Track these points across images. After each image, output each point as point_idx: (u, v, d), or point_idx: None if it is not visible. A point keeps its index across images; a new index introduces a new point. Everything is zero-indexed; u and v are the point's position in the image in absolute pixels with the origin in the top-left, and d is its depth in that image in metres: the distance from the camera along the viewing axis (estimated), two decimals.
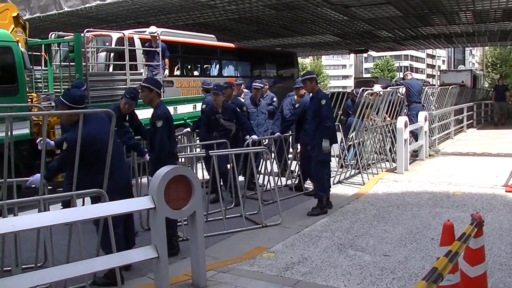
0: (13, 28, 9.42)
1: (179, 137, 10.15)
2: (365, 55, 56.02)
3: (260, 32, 24.02)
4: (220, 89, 8.29)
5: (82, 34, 9.80)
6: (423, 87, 13.32)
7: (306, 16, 20.16)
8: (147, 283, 4.84)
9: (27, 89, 8.94)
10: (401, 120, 10.46)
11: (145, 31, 13.54)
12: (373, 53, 57.40)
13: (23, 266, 4.83)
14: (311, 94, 7.74)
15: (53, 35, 11.20)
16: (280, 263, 5.29)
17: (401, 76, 17.62)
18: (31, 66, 9.43)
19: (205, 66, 17.27)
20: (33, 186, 5.12)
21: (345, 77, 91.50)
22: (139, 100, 6.63)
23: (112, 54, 12.19)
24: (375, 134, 10.84)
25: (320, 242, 5.98)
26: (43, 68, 10.74)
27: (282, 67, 22.02)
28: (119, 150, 4.92)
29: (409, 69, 66.21)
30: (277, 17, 20.19)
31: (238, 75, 17.32)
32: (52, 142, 5.78)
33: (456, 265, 3.37)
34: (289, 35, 25.59)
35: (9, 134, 4.55)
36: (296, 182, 9.50)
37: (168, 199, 3.98)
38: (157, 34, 11.96)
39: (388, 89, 11.37)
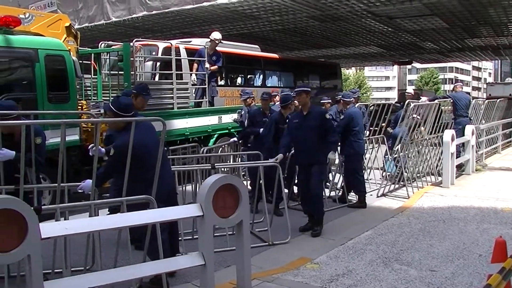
0: (65, 38, 9.72)
1: (223, 146, 10.26)
2: (409, 66, 55.30)
3: (304, 43, 24.04)
4: (269, 95, 9.08)
5: (131, 44, 10.01)
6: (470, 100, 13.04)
7: (350, 27, 20.09)
8: None
9: (77, 97, 9.19)
10: (448, 133, 10.29)
11: (191, 41, 13.77)
12: (417, 65, 56.63)
13: (72, 269, 4.94)
14: (304, 111, 7.26)
15: (102, 45, 11.49)
16: (325, 275, 5.25)
17: (444, 88, 17.38)
18: (82, 75, 9.69)
19: (248, 76, 17.38)
20: (81, 191, 5.28)
21: (388, 88, 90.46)
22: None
23: (158, 64, 12.41)
24: (420, 147, 10.68)
25: (365, 255, 5.92)
26: (92, 76, 11.01)
27: (325, 78, 21.94)
28: (163, 158, 4.98)
29: (453, 82, 65.06)
30: (320, 28, 20.19)
31: (282, 85, 17.34)
32: (103, 149, 5.90)
33: (509, 283, 3.29)
34: (333, 46, 25.54)
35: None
36: (340, 193, 9.44)
37: (216, 207, 4.01)
38: (219, 40, 12.11)
39: (435, 101, 11.21)
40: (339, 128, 8.92)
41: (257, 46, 17.66)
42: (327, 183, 9.46)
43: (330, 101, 11.10)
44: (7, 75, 8.40)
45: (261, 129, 8.72)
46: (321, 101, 11.25)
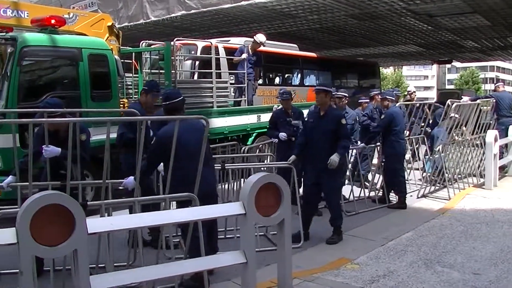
0: (108, 37, 9.91)
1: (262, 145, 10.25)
2: (448, 66, 54.32)
3: (342, 41, 23.84)
4: (290, 94, 8.90)
5: (172, 43, 10.12)
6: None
7: (389, 26, 19.82)
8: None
9: (119, 95, 9.35)
10: (491, 134, 10.07)
11: (230, 40, 13.82)
12: (457, 64, 55.50)
13: (114, 264, 5.03)
14: (321, 112, 6.90)
15: (143, 44, 11.64)
16: (365, 275, 5.22)
17: (484, 88, 17.01)
18: (123, 73, 9.85)
19: (286, 75, 17.36)
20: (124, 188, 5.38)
21: (426, 88, 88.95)
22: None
23: (197, 62, 12.51)
24: (462, 147, 10.48)
25: (406, 256, 5.85)
26: (133, 75, 11.17)
27: (364, 77, 21.77)
28: (206, 157, 5.02)
29: (494, 81, 63.61)
30: (359, 27, 19.97)
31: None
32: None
33: None
34: (371, 45, 25.26)
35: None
36: (380, 194, 9.35)
37: (258, 206, 4.02)
38: (263, 43, 12.17)
39: (478, 101, 10.98)
40: (379, 128, 8.83)
41: (295, 45, 17.62)
42: (365, 183, 9.37)
43: (368, 100, 11.01)
44: (52, 74, 8.61)
45: (281, 133, 8.58)
46: (359, 101, 11.15)
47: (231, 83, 12.07)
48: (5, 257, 4.89)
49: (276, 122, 8.91)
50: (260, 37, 12.09)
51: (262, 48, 13.17)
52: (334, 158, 6.61)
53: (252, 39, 12.34)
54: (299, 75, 17.41)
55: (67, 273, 4.55)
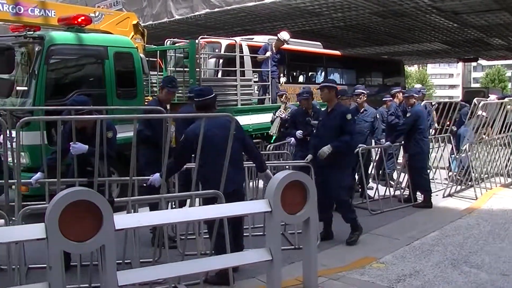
0: (133, 35, 9.98)
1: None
2: (474, 64, 53.62)
3: (366, 39, 23.69)
4: (310, 93, 8.71)
5: (196, 41, 10.15)
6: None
7: (414, 24, 19.62)
8: (258, 285, 4.93)
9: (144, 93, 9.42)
10: None
11: (253, 38, 13.81)
12: (483, 62, 54.72)
13: (140, 260, 5.06)
14: (329, 108, 6.83)
15: (168, 42, 11.69)
16: (391, 275, 5.17)
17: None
18: (148, 71, 9.91)
19: (310, 73, 17.30)
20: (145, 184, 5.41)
21: (451, 86, 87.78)
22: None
23: (221, 60, 12.53)
24: (489, 146, 10.33)
25: (432, 256, 5.78)
26: (158, 73, 11.22)
27: (388, 75, 21.59)
28: (235, 155, 5.03)
29: None
30: (383, 25, 19.82)
31: (344, 82, 17.19)
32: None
33: None
34: (396, 42, 25.03)
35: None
36: (405, 193, 9.26)
37: (284, 204, 4.02)
38: (287, 41, 12.14)
39: (506, 99, 10.80)
40: (405, 126, 8.73)
41: (319, 43, 17.55)
42: (390, 181, 9.29)
43: (391, 99, 10.90)
44: (78, 72, 8.70)
45: (298, 131, 8.53)
46: (383, 99, 11.06)
47: (254, 81, 12.05)
48: (35, 252, 4.98)
49: (295, 122, 8.87)
50: (284, 35, 12.05)
51: (286, 46, 13.15)
52: (324, 149, 6.47)
53: (276, 37, 12.30)
54: (323, 73, 17.33)
55: (94, 268, 4.60)
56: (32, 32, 8.12)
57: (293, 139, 8.78)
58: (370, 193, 8.80)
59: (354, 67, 19.24)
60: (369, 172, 9.43)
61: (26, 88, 7.75)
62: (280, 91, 11.14)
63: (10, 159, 4.95)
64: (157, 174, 5.15)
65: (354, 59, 20.83)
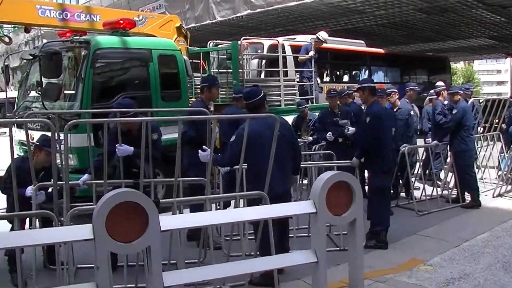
0: (176, 38, 10.09)
1: None
2: None
3: (410, 36, 23.29)
4: (337, 92, 8.87)
5: (238, 42, 10.17)
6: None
7: (459, 19, 19.18)
8: (303, 287, 4.89)
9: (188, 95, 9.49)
10: None
11: (295, 38, 13.75)
12: None
13: (185, 261, 5.10)
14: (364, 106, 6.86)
15: (211, 44, 11.77)
16: (440, 278, 5.05)
17: None
18: (192, 73, 9.99)
19: (353, 72, 17.12)
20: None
21: (500, 83, 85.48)
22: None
23: (264, 61, 12.52)
24: None
25: (482, 258, 5.62)
26: (201, 74, 11.30)
27: (433, 73, 21.15)
28: (278, 157, 5.00)
29: None
30: (428, 21, 19.45)
31: (388, 81, 16.94)
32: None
33: None
34: (440, 39, 24.54)
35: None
36: (453, 193, 9.03)
37: (329, 205, 3.95)
38: (326, 40, 12.07)
39: None
40: (452, 123, 8.52)
41: (362, 41, 17.35)
42: (437, 181, 9.08)
43: (435, 96, 10.64)
44: (123, 75, 8.84)
45: (328, 134, 8.44)
46: (428, 97, 10.81)
47: (297, 82, 11.99)
48: (83, 252, 5.08)
49: (323, 123, 8.76)
50: (323, 35, 12.03)
51: (329, 45, 13.08)
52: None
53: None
54: (367, 72, 17.13)
55: (140, 269, 4.65)
56: (78, 37, 8.29)
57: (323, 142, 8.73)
58: (417, 193, 8.62)
59: (398, 65, 18.95)
60: (416, 172, 9.24)
61: (73, 91, 7.92)
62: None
63: (58, 161, 5.06)
64: (208, 151, 5.17)
65: (398, 56, 20.53)
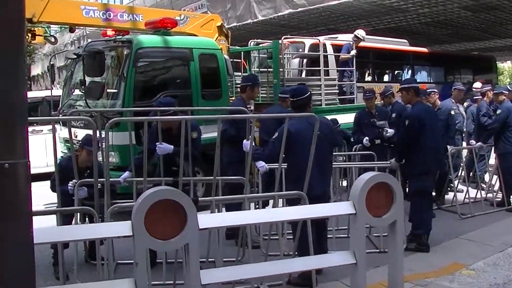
0: (217, 37, 10.13)
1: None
2: None
3: (454, 35, 22.81)
4: (373, 93, 8.68)
5: (279, 41, 10.14)
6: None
7: (507, 17, 18.66)
8: None
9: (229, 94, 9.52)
10: None
11: (337, 37, 13.63)
12: None
13: (223, 259, 5.10)
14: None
15: (252, 43, 11.78)
16: (483, 283, 4.90)
17: None
18: (233, 72, 10.01)
19: (396, 71, 16.88)
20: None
21: None
22: None
23: (305, 60, 12.45)
24: None
25: None
26: (242, 74, 11.31)
27: (479, 73, 20.63)
28: (319, 158, 4.95)
29: None
30: (473, 19, 19.00)
31: (431, 80, 16.63)
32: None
33: None
34: (486, 38, 23.95)
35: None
36: (499, 196, 8.77)
37: (369, 206, 3.89)
38: (364, 38, 11.97)
39: None
40: (496, 124, 8.29)
41: (405, 41, 17.08)
42: (482, 184, 8.85)
43: (480, 97, 10.38)
44: (165, 74, 8.94)
45: (365, 139, 8.27)
46: (474, 97, 10.55)
47: (339, 81, 11.88)
48: (123, 248, 5.15)
49: (360, 124, 8.61)
50: (361, 32, 11.95)
51: (371, 44, 12.92)
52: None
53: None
54: (409, 71, 16.85)
55: (178, 266, 4.68)
56: (121, 37, 8.42)
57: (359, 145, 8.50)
58: (460, 196, 8.42)
59: (442, 64, 18.56)
60: (459, 174, 9.03)
61: (115, 90, 8.04)
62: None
63: (100, 158, 5.14)
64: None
65: (442, 56, 20.09)
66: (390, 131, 8.14)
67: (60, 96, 9.71)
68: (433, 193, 7.40)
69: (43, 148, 10.37)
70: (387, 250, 5.40)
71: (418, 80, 16.08)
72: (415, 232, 6.29)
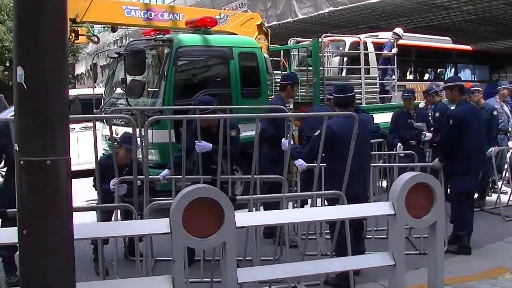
0: (257, 36, 10.14)
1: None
2: None
3: (500, 32, 22.19)
4: (412, 93, 8.45)
5: (319, 39, 10.08)
6: None
7: None
8: None
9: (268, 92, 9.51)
10: None
11: (378, 35, 13.48)
12: None
13: (260, 258, 5.10)
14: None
15: (292, 41, 11.75)
16: None
17: None
18: (272, 71, 10.00)
19: (438, 70, 16.57)
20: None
21: None
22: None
23: (345, 59, 12.35)
24: None
25: None
26: (282, 72, 11.29)
27: None
28: (360, 158, 4.90)
29: None
30: None
31: (475, 79, 16.24)
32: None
33: None
34: None
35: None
36: None
37: (408, 206, 3.83)
38: (401, 35, 11.83)
39: None
40: None
41: (448, 38, 16.74)
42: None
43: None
44: (204, 73, 8.99)
45: (398, 145, 8.00)
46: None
47: (380, 80, 11.73)
48: (161, 245, 5.21)
49: (396, 124, 8.41)
50: (400, 30, 11.94)
51: (412, 42, 12.73)
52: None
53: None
54: (452, 70, 16.51)
55: (216, 264, 4.70)
56: (161, 35, 8.51)
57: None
58: (504, 198, 8.20)
59: (487, 62, 18.10)
60: (503, 175, 8.79)
61: (156, 89, 8.14)
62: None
63: (140, 156, 5.21)
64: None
65: (486, 54, 19.58)
66: (428, 135, 8.00)
67: (102, 94, 9.88)
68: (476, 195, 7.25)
69: (75, 146, 10.53)
70: (427, 252, 5.32)
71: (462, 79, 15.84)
72: (456, 234, 6.16)
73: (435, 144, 8.03)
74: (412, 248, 6.14)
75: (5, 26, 25.85)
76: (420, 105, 9.91)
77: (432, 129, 8.16)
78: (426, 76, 16.34)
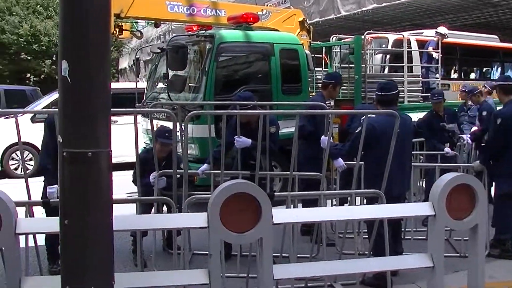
0: (299, 32, 10.12)
1: None
2: None
3: None
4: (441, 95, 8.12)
5: (362, 36, 9.97)
6: None
7: None
8: None
9: (309, 89, 9.47)
10: None
11: (422, 33, 13.25)
12: None
13: (297, 255, 5.09)
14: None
15: (334, 38, 11.66)
16: None
17: None
18: (314, 68, 9.96)
19: (484, 69, 16.17)
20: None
21: None
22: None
23: (388, 56, 12.19)
24: None
25: None
26: (323, 69, 11.22)
27: None
28: (401, 157, 4.83)
29: None
30: None
31: None
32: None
33: None
34: None
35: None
36: None
37: (449, 208, 3.76)
38: (446, 34, 11.62)
39: None
40: None
41: (495, 36, 16.31)
42: None
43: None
44: (245, 68, 9.02)
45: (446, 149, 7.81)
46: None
47: (424, 78, 11.54)
48: (199, 239, 5.25)
49: (429, 129, 8.02)
50: (443, 30, 11.76)
51: (458, 40, 12.46)
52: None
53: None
54: (499, 69, 16.08)
55: (252, 259, 4.71)
56: (203, 31, 8.57)
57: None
58: None
59: None
60: None
61: (197, 84, 8.20)
62: None
63: (180, 150, 5.26)
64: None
65: None
66: (466, 138, 7.93)
67: (144, 88, 10.02)
68: None
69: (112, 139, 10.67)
70: (468, 255, 5.21)
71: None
72: (498, 238, 6.00)
73: (483, 144, 7.83)
74: (452, 250, 6.01)
75: (53, 21, 26.45)
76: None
77: (476, 128, 7.97)
78: (472, 75, 16.00)
